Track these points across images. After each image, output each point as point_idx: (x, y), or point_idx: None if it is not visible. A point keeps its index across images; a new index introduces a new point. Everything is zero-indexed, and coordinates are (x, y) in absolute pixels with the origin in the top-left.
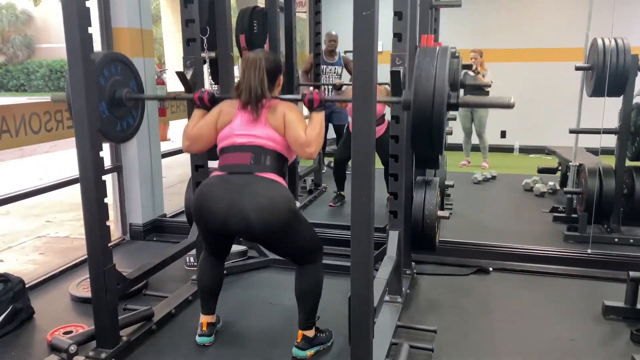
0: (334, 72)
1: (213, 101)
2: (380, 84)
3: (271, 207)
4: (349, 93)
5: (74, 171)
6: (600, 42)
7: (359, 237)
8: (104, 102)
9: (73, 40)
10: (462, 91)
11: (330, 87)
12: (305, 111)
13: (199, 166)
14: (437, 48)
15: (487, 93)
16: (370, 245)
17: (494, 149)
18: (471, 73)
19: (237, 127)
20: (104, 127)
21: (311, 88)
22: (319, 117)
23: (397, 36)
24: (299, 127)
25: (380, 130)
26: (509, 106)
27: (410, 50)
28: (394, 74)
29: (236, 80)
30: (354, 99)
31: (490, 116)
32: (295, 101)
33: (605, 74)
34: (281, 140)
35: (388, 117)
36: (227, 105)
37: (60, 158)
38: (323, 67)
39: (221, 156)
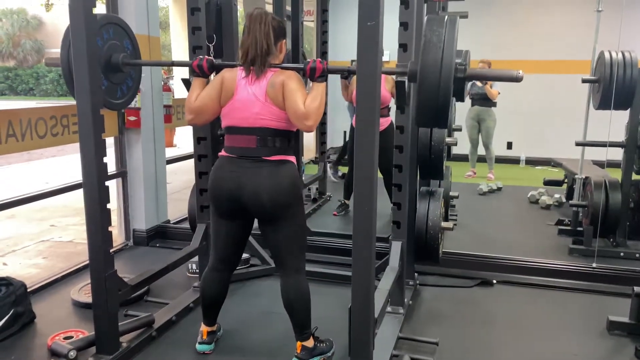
0: None
1: (212, 68)
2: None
3: (279, 182)
4: (354, 83)
5: (79, 176)
6: (607, 55)
7: (360, 247)
8: (101, 69)
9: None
10: (470, 101)
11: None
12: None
13: (202, 156)
14: (446, 16)
15: (494, 104)
16: (371, 255)
17: (500, 160)
18: (479, 83)
19: (239, 104)
20: (106, 98)
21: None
22: (320, 87)
23: (403, 46)
24: (298, 98)
25: (383, 124)
26: (517, 79)
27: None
28: (399, 85)
29: None
30: (357, 106)
31: (496, 127)
32: (297, 70)
33: (612, 87)
34: (283, 115)
35: (393, 118)
36: (228, 77)
37: (67, 163)
38: None
39: (227, 135)
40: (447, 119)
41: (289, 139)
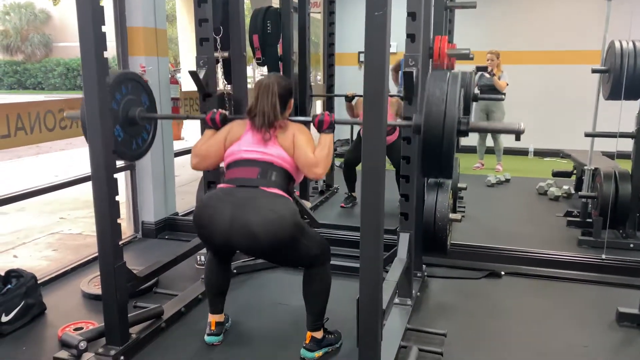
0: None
1: (224, 122)
2: (391, 96)
3: (276, 220)
4: (359, 104)
5: (88, 169)
6: (618, 44)
7: (369, 239)
8: (118, 124)
9: (88, 43)
10: (478, 91)
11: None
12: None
13: (211, 182)
14: (448, 73)
15: (503, 94)
16: (379, 247)
17: (508, 151)
18: (487, 75)
19: (246, 143)
20: (119, 149)
21: (322, 111)
22: (328, 138)
23: (411, 37)
24: (308, 148)
25: (391, 139)
26: (519, 132)
27: (424, 51)
28: (407, 75)
29: (249, 80)
30: (365, 97)
31: (506, 118)
32: (306, 123)
33: (623, 77)
34: (290, 160)
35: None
36: (237, 125)
37: (75, 156)
38: None
39: (228, 170)
40: (451, 170)
41: (289, 182)
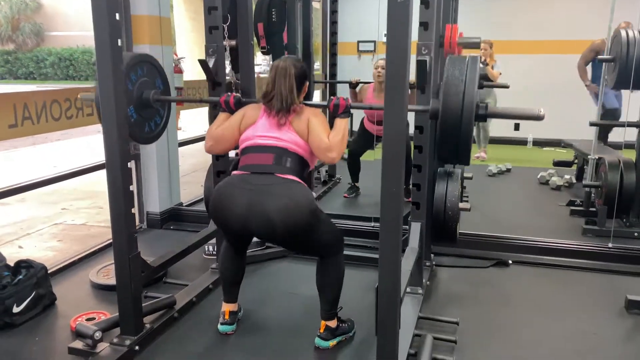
0: None
1: (239, 105)
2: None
3: (293, 208)
4: (363, 91)
5: (86, 159)
6: (624, 33)
7: (389, 227)
8: (132, 105)
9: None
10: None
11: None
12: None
13: (220, 172)
14: (467, 57)
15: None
16: (399, 236)
17: (507, 141)
18: (480, 65)
19: (260, 128)
20: (132, 130)
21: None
22: (343, 123)
23: (424, 25)
24: (322, 132)
25: None
26: (539, 117)
27: (435, 40)
28: (420, 63)
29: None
30: (386, 88)
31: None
32: (321, 107)
33: (630, 66)
34: (304, 144)
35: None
36: (251, 109)
37: (72, 146)
38: None
39: (243, 156)
40: (469, 156)
41: (304, 167)
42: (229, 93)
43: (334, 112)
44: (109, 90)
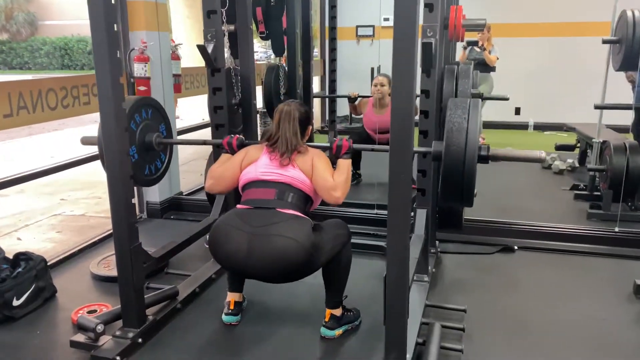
0: None
1: (241, 146)
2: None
3: (294, 248)
4: (363, 105)
5: (84, 150)
6: (630, 14)
7: (397, 216)
8: (134, 145)
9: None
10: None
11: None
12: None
13: (219, 125)
14: (469, 101)
15: (492, 69)
16: (407, 223)
17: (508, 126)
18: (477, 49)
19: (263, 165)
20: (134, 172)
21: (340, 136)
22: (346, 163)
23: (429, 6)
24: (327, 172)
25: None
26: (540, 160)
27: (440, 22)
28: (426, 46)
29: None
30: (393, 72)
31: (499, 91)
32: (324, 148)
33: (637, 48)
34: (308, 182)
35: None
36: (253, 148)
37: (69, 136)
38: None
39: (244, 191)
40: (472, 198)
41: (307, 204)
42: (232, 135)
43: (337, 153)
44: (104, 74)
